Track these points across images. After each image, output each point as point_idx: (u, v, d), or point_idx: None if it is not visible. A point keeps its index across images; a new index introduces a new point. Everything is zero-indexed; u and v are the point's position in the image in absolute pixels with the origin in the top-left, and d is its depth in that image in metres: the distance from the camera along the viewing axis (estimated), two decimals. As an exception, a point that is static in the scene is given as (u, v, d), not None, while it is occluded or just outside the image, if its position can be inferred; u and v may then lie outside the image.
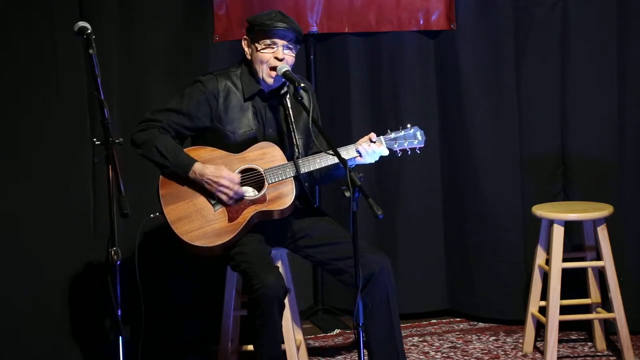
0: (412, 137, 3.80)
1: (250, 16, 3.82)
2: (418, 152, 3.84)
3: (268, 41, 3.71)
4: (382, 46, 4.81)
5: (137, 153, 3.71)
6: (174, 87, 4.28)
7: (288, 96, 3.83)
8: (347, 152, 3.72)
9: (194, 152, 3.72)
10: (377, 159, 3.77)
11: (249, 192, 3.70)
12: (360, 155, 3.73)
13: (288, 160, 3.72)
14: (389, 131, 3.79)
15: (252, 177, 3.71)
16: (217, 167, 3.66)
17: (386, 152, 3.76)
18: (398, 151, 3.80)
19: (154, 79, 4.46)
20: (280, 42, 3.71)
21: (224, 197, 3.65)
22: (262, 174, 3.70)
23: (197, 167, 3.65)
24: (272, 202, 3.69)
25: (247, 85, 3.77)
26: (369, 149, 3.72)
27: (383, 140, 3.76)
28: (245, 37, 3.80)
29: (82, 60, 4.03)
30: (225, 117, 3.75)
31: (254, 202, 3.69)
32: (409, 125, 3.81)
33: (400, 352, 3.73)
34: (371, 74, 4.85)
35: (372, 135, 3.76)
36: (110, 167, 3.10)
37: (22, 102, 3.90)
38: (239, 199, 3.66)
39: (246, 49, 3.80)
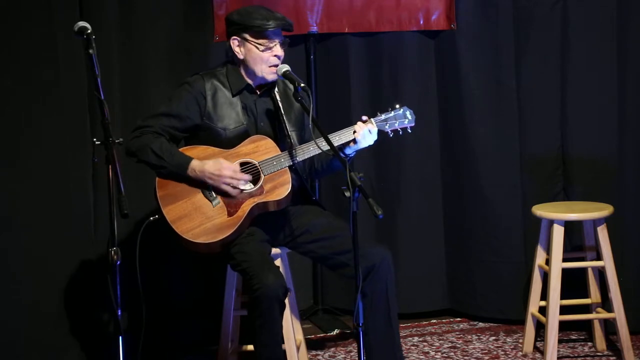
0: (402, 117, 3.82)
1: (234, 15, 3.80)
2: (409, 131, 3.86)
3: (267, 42, 3.73)
4: (382, 46, 4.81)
5: (134, 161, 3.71)
6: (174, 87, 4.26)
7: (276, 89, 3.84)
8: (347, 134, 3.73)
9: (187, 151, 3.73)
10: (371, 142, 3.77)
11: (246, 185, 3.71)
12: (355, 141, 3.72)
13: (282, 151, 3.73)
14: (378, 113, 3.81)
15: (248, 171, 3.72)
16: (215, 160, 3.66)
17: (375, 129, 3.77)
18: (390, 132, 3.82)
19: (154, 79, 4.46)
20: (276, 40, 3.75)
21: (228, 189, 3.66)
22: (257, 166, 3.71)
23: (195, 164, 3.66)
24: (269, 193, 3.70)
25: (234, 82, 3.79)
26: (360, 130, 3.72)
27: (374, 122, 3.78)
28: (235, 37, 3.79)
29: (82, 60, 4.03)
30: (215, 114, 3.76)
31: (251, 194, 3.69)
32: (397, 106, 3.84)
33: (397, 345, 3.74)
34: (371, 74, 4.84)
35: (364, 117, 3.78)
36: (110, 167, 3.10)
37: (22, 102, 3.90)
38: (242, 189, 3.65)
39: (237, 49, 3.79)
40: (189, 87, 3.79)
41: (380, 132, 3.80)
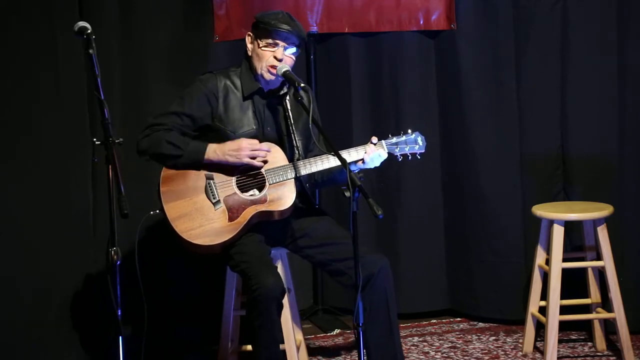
0: (413, 142, 3.81)
1: (259, 13, 3.83)
2: (419, 157, 3.85)
3: (270, 40, 3.72)
4: (382, 46, 4.81)
5: (144, 159, 3.70)
6: (174, 87, 4.28)
7: (288, 97, 3.84)
8: (357, 153, 3.72)
9: (193, 152, 3.73)
10: (378, 164, 3.77)
11: (250, 192, 3.71)
12: (363, 161, 3.72)
13: (289, 162, 3.73)
14: (390, 135, 3.81)
15: (253, 178, 3.71)
16: (233, 141, 3.66)
17: (385, 155, 3.77)
18: (399, 156, 3.81)
19: (154, 78, 4.46)
20: (281, 43, 3.72)
21: (251, 161, 3.64)
22: (263, 174, 3.70)
23: (214, 145, 3.65)
24: (272, 203, 3.69)
25: (247, 84, 3.78)
26: (370, 153, 3.72)
27: (384, 144, 3.77)
28: (249, 33, 3.82)
29: (82, 60, 4.02)
30: (226, 117, 3.76)
31: (254, 202, 3.69)
32: (409, 131, 3.83)
33: (399, 355, 3.73)
34: (371, 74, 4.85)
35: (374, 138, 3.77)
36: (110, 167, 3.10)
37: (22, 102, 3.90)
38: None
39: (249, 44, 3.81)
40: (201, 85, 3.77)
41: (389, 155, 3.79)
